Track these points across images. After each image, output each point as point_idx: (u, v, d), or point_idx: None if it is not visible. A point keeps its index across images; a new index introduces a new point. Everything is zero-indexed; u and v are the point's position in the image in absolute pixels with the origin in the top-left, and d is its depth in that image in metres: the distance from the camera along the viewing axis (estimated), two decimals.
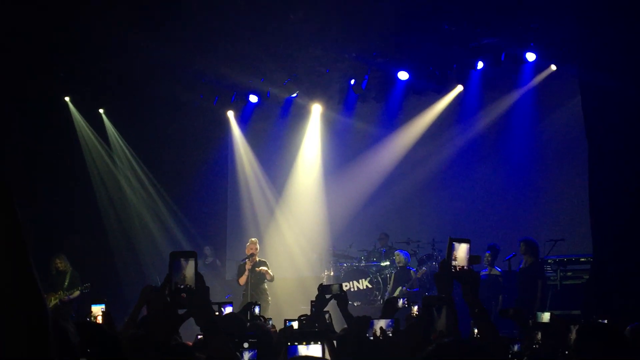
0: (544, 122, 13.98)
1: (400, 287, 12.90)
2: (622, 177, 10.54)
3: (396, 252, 13.32)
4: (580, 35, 11.12)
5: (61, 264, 12.05)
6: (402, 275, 13.07)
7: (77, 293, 11.79)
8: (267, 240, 15.32)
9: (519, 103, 14.13)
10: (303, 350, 2.94)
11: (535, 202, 13.90)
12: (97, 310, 4.67)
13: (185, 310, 2.54)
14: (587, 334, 3.38)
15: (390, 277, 13.47)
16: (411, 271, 13.09)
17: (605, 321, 5.36)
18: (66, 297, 11.66)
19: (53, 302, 11.41)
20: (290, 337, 2.98)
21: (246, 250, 12.34)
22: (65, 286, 11.82)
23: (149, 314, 2.48)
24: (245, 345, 3.49)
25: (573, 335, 4.51)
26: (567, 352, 4.49)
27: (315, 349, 2.94)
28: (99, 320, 4.57)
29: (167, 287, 2.52)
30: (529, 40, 12.53)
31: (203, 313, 2.53)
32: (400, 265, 13.16)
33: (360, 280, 13.77)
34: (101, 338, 2.49)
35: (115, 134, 15.95)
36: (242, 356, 3.60)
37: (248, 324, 5.17)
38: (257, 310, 5.94)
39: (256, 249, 12.28)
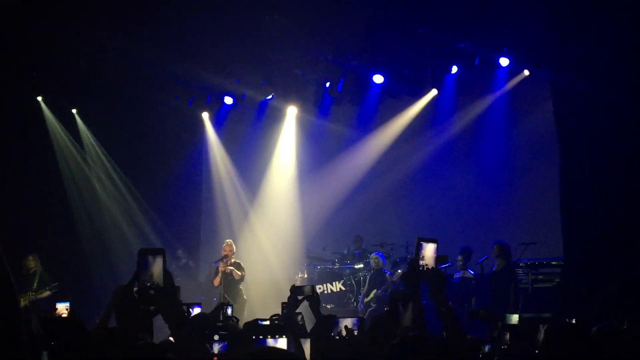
0: (517, 126, 14.10)
1: (375, 290, 12.93)
2: (594, 181, 10.69)
3: (373, 255, 13.32)
4: (552, 40, 11.26)
5: (32, 263, 11.95)
6: (377, 278, 13.09)
7: (46, 293, 11.68)
8: (241, 243, 15.28)
9: (492, 107, 14.23)
10: (271, 343, 2.96)
11: (507, 205, 14.01)
12: (62, 308, 4.64)
13: (153, 307, 2.54)
14: (555, 333, 3.42)
15: (364, 280, 13.49)
16: (386, 274, 13.12)
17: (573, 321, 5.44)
18: (34, 297, 11.56)
19: (22, 303, 11.28)
20: (256, 331, 3.00)
21: (222, 252, 12.37)
22: (34, 287, 11.72)
23: (116, 311, 2.48)
24: (216, 337, 3.51)
25: (541, 335, 4.58)
26: (537, 352, 4.55)
27: (282, 343, 2.96)
28: (64, 315, 4.54)
29: (135, 284, 2.53)
30: (503, 45, 12.65)
31: (171, 310, 2.53)
32: (376, 268, 13.17)
33: (334, 283, 13.79)
34: (66, 331, 2.48)
35: (88, 134, 15.81)
36: (212, 348, 3.62)
37: (219, 324, 5.16)
38: (229, 311, 5.92)
39: (230, 250, 12.29)
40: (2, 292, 1.38)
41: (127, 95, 14.66)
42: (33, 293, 11.59)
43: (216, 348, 3.97)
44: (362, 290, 13.35)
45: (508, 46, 12.64)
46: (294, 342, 3.06)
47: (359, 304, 13.22)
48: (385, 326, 3.28)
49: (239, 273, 12.03)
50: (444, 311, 3.24)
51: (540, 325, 4.80)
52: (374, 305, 12.70)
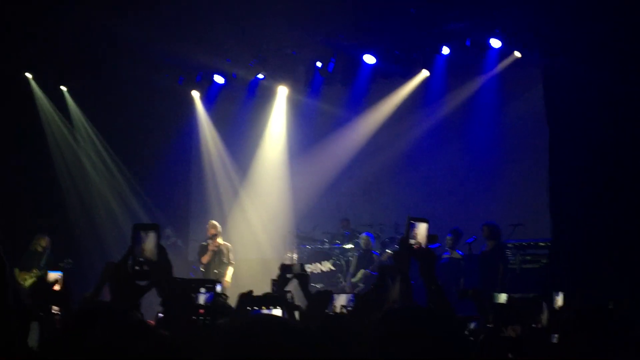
0: (507, 108, 14.13)
1: (362, 270, 13.00)
2: (582, 164, 10.76)
3: (363, 235, 13.35)
4: (543, 22, 11.26)
5: (43, 242, 12.01)
6: (366, 258, 13.15)
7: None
8: (231, 222, 15.32)
9: (483, 89, 14.25)
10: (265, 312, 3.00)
11: (496, 186, 14.07)
12: (54, 276, 4.59)
13: (146, 282, 2.56)
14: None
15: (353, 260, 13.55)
16: (375, 255, 13.18)
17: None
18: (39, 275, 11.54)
19: (30, 280, 11.29)
20: (251, 302, 3.04)
21: (207, 233, 12.52)
22: (41, 265, 11.74)
23: (110, 286, 2.49)
24: (202, 290, 3.58)
25: (545, 314, 4.65)
26: (537, 326, 4.61)
27: (276, 313, 2.99)
28: (56, 287, 4.52)
29: (129, 259, 2.55)
30: (494, 26, 12.63)
31: (166, 285, 2.55)
32: (365, 248, 13.22)
33: (323, 262, 13.84)
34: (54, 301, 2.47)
35: (77, 112, 15.74)
36: (197, 298, 3.70)
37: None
38: (218, 288, 5.94)
39: (214, 231, 12.46)
40: None
41: (117, 73, 14.57)
42: (39, 271, 11.59)
43: (202, 299, 4.10)
44: (350, 270, 13.41)
45: (499, 27, 12.62)
46: (288, 313, 3.11)
47: (347, 283, 13.29)
48: (373, 300, 3.31)
49: (231, 257, 12.24)
50: (433, 289, 3.28)
51: (544, 303, 4.87)
52: (362, 285, 12.77)
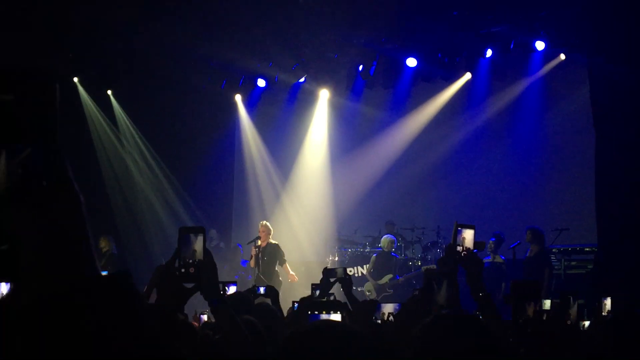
0: (552, 111, 13.97)
1: (390, 275, 12.75)
2: (629, 167, 10.55)
3: (385, 237, 13.00)
4: (589, 23, 11.08)
5: (103, 243, 12.15)
6: (387, 261, 12.88)
7: None
8: (273, 224, 15.32)
9: (527, 92, 14.11)
10: (324, 317, 2.99)
11: (541, 191, 13.91)
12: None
13: (193, 284, 2.59)
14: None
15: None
16: (394, 257, 13.02)
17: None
18: None
19: None
20: (312, 307, 3.04)
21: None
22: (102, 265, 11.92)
23: (157, 288, 2.53)
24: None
25: (574, 309, 4.58)
26: (569, 322, 4.55)
27: (335, 319, 2.99)
28: None
29: (176, 261, 2.58)
30: (539, 28, 12.47)
31: (211, 287, 2.58)
32: (386, 250, 12.91)
33: (364, 266, 13.80)
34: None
35: (122, 115, 16.00)
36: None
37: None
38: (261, 290, 5.97)
39: (263, 231, 12.33)
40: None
41: (161, 77, 14.77)
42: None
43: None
44: (367, 267, 13.16)
45: (544, 30, 12.45)
46: (348, 319, 3.09)
47: (372, 279, 12.99)
48: (419, 305, 3.28)
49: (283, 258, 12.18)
50: (482, 297, 3.24)
51: (571, 297, 4.77)
52: (391, 291, 12.59)
